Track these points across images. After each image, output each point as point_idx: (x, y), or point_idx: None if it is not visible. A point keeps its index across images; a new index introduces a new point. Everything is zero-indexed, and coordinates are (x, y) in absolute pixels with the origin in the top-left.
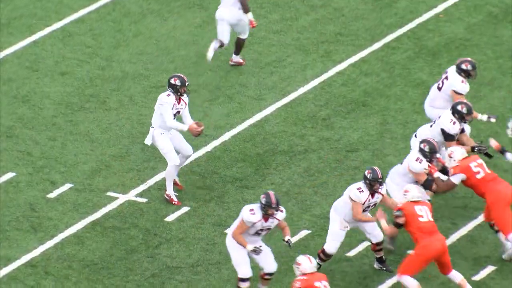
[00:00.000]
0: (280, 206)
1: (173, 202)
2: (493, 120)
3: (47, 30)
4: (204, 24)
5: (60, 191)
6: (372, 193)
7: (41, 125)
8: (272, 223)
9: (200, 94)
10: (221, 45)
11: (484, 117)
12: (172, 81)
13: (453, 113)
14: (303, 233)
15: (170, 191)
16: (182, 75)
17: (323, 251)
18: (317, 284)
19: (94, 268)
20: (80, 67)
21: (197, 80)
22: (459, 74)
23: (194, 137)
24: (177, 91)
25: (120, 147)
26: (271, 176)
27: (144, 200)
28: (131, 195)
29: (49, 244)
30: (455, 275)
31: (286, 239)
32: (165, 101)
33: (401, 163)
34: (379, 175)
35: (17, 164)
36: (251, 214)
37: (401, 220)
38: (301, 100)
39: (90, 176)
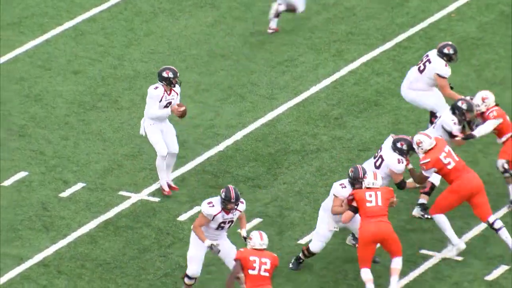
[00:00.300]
0: (239, 201)
1: (164, 192)
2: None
3: (59, 29)
4: (215, 23)
5: (72, 190)
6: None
7: (53, 124)
8: (234, 215)
9: (212, 94)
10: (293, 9)
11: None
12: (164, 74)
13: (453, 110)
14: None
15: (162, 182)
16: (172, 67)
17: (308, 249)
18: (252, 258)
19: (107, 267)
20: (92, 66)
21: (209, 79)
22: (441, 58)
23: (180, 119)
24: (170, 82)
25: (132, 146)
26: (283, 175)
27: (156, 199)
28: (144, 194)
29: (62, 243)
30: (396, 261)
31: (243, 234)
32: (154, 94)
33: (377, 167)
34: (361, 175)
35: (30, 163)
36: (209, 207)
37: (354, 204)
38: (313, 99)
39: (103, 175)
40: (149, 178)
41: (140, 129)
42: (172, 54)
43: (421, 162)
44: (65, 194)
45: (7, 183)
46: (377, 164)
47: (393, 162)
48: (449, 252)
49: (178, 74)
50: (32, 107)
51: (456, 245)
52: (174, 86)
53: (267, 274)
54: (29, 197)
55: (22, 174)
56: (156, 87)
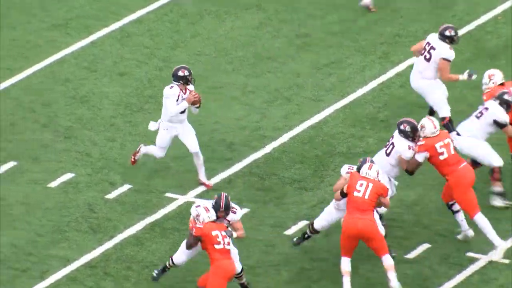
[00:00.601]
0: (230, 210)
1: (132, 160)
2: (474, 77)
3: (105, 31)
4: (261, 25)
5: (119, 192)
6: None
7: (99, 126)
8: (221, 220)
9: (258, 96)
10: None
11: (465, 76)
12: (180, 73)
13: (500, 102)
14: None
15: (138, 155)
16: (186, 66)
17: (312, 224)
18: (214, 233)
19: (153, 269)
20: (138, 68)
21: (256, 81)
22: (443, 41)
23: (196, 107)
24: (187, 81)
25: (178, 148)
26: (329, 177)
27: (202, 201)
28: (190, 196)
29: (108, 245)
30: (386, 259)
31: (233, 235)
32: (170, 93)
33: (387, 155)
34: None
35: (76, 165)
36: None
37: (344, 188)
38: (359, 101)
39: (149, 177)
40: (196, 180)
41: (151, 125)
42: (218, 56)
43: (418, 143)
44: (111, 195)
45: (53, 184)
46: (388, 151)
47: (404, 148)
48: (495, 255)
49: (191, 72)
50: (78, 108)
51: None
52: (189, 85)
53: (229, 247)
54: (76, 198)
55: (68, 176)
56: (172, 87)
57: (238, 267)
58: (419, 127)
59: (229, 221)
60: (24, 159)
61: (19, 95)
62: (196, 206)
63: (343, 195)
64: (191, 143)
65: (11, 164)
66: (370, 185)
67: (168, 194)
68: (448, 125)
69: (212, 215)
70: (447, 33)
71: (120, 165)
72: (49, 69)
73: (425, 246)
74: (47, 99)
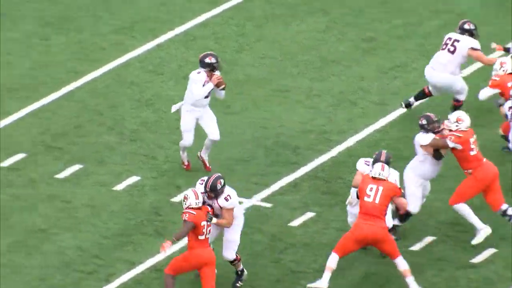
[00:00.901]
0: (217, 192)
1: (183, 166)
2: None
3: (171, 34)
4: (327, 29)
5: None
6: None
7: (164, 129)
8: (213, 203)
9: (324, 99)
10: None
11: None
12: (207, 60)
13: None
14: (428, 239)
15: (183, 156)
16: (213, 53)
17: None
18: (202, 223)
19: (218, 273)
20: None
21: (321, 85)
22: (463, 34)
23: (220, 88)
24: (214, 68)
25: (244, 151)
26: None
27: (268, 205)
28: (256, 200)
29: (174, 248)
30: (400, 263)
31: (212, 220)
32: (197, 78)
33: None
34: (382, 158)
35: (142, 168)
36: (199, 183)
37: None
38: (425, 105)
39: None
40: (261, 183)
41: (173, 107)
42: (284, 59)
43: (453, 132)
44: (177, 199)
45: (119, 187)
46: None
47: (419, 137)
48: (477, 239)
49: (219, 59)
50: (144, 111)
51: (482, 229)
52: (215, 71)
53: (209, 235)
54: (141, 201)
55: (134, 179)
56: (199, 72)
57: (231, 255)
58: (454, 119)
59: (220, 206)
60: (89, 162)
61: (84, 98)
62: (192, 189)
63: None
64: (213, 130)
65: (76, 166)
66: (380, 188)
67: None
68: (458, 108)
69: (200, 201)
70: (466, 26)
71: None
72: (114, 72)
73: (491, 250)
74: (113, 102)
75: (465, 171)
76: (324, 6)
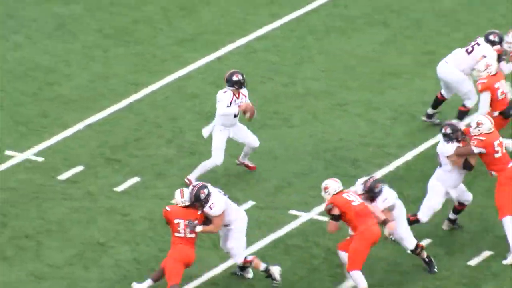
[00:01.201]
0: (201, 202)
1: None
2: None
3: (231, 46)
4: (387, 42)
5: (242, 208)
6: None
7: None
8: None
9: (383, 112)
10: None
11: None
12: (234, 78)
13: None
14: (485, 254)
15: (192, 178)
16: (238, 70)
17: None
18: (176, 221)
19: (275, 287)
20: (263, 84)
21: (381, 98)
22: (486, 43)
23: (248, 116)
24: (241, 84)
25: (302, 164)
26: None
27: (326, 218)
28: (314, 213)
29: (231, 261)
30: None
31: (196, 228)
32: (223, 98)
33: (440, 166)
34: (376, 188)
35: (200, 181)
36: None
37: (335, 211)
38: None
39: (273, 194)
40: (319, 196)
41: (204, 131)
42: (344, 72)
43: (476, 137)
44: None
45: None
46: (439, 161)
47: (442, 147)
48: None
49: (244, 76)
50: (203, 124)
51: None
52: (242, 88)
53: (193, 235)
54: None
55: None
56: (225, 91)
57: (239, 259)
58: (475, 124)
59: (206, 213)
60: (148, 175)
61: (144, 110)
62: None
63: (336, 218)
64: (251, 139)
65: (135, 179)
66: (351, 192)
67: (292, 211)
68: (464, 114)
69: (186, 201)
70: (491, 37)
71: (244, 181)
72: (174, 84)
73: None
74: (172, 114)
75: (489, 171)
76: (384, 19)
